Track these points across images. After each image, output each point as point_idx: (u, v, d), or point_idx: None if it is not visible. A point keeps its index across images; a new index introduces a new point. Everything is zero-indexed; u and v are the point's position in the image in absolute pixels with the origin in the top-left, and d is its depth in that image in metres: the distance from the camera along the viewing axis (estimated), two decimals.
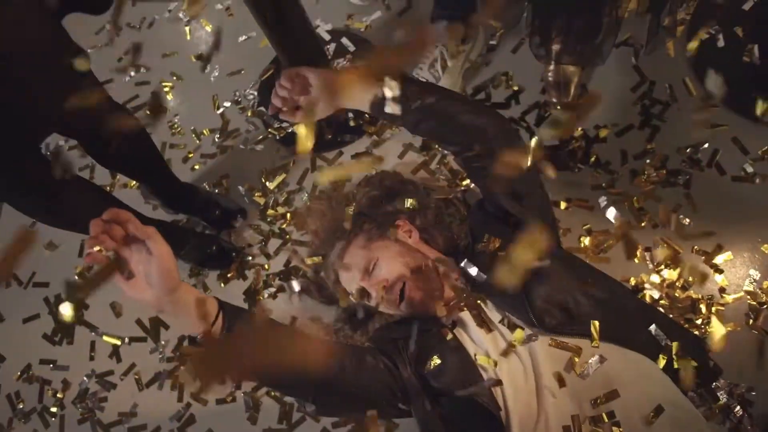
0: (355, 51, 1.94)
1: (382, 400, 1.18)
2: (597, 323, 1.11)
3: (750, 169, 1.52)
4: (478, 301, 1.22)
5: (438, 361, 1.18)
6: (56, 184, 1.37)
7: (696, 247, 1.49)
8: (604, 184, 1.59)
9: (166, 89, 2.11)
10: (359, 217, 1.46)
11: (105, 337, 1.74)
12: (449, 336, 1.20)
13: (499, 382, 1.12)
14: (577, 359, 1.10)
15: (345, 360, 1.16)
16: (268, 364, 1.01)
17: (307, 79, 1.20)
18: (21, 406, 1.74)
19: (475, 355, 1.16)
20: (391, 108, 1.11)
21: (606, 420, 1.04)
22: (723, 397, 1.23)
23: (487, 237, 1.27)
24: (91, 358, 1.75)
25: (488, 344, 1.18)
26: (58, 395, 1.72)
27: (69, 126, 1.40)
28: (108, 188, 1.94)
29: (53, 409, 1.70)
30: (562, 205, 1.56)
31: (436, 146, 1.75)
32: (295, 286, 1.56)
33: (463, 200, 1.59)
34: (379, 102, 1.16)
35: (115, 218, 0.88)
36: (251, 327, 1.01)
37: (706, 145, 1.57)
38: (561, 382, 1.09)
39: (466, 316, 1.22)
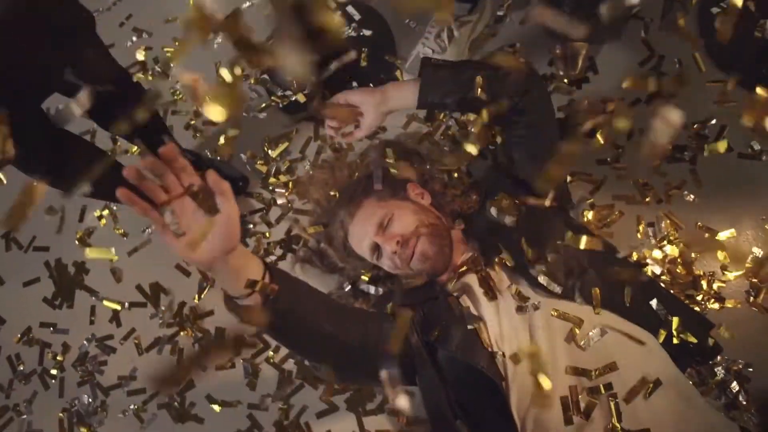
0: None
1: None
2: (598, 290, 1.12)
3: (757, 147, 1.51)
4: (488, 269, 1.22)
5: (444, 329, 1.18)
6: (60, 145, 1.36)
7: (699, 223, 1.48)
8: (608, 159, 1.58)
9: (168, 55, 2.09)
10: (370, 180, 1.45)
11: (105, 302, 1.75)
12: (455, 304, 1.20)
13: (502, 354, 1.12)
14: (577, 331, 1.10)
15: (368, 324, 1.17)
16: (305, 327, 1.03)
17: (351, 102, 1.31)
18: (21, 368, 1.75)
19: (482, 324, 1.16)
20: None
21: (603, 392, 1.04)
22: (720, 373, 1.24)
23: (499, 195, 1.28)
24: (91, 323, 1.75)
25: (491, 311, 1.18)
26: (58, 358, 1.73)
27: (71, 86, 1.39)
28: (110, 152, 1.93)
29: (53, 372, 1.71)
30: (567, 178, 1.55)
31: (441, 116, 1.73)
32: None
33: (467, 172, 1.58)
34: (425, 96, 1.26)
35: (171, 157, 0.78)
36: (295, 291, 1.01)
37: (714, 121, 1.55)
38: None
39: (472, 282, 1.22)
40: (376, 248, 1.29)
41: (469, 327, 1.16)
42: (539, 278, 1.15)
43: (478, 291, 1.20)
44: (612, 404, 1.03)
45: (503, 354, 1.12)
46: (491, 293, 1.18)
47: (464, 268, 1.25)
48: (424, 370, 1.21)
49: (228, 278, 0.90)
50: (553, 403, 1.06)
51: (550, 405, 1.07)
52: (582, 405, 1.05)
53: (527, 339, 1.13)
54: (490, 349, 1.14)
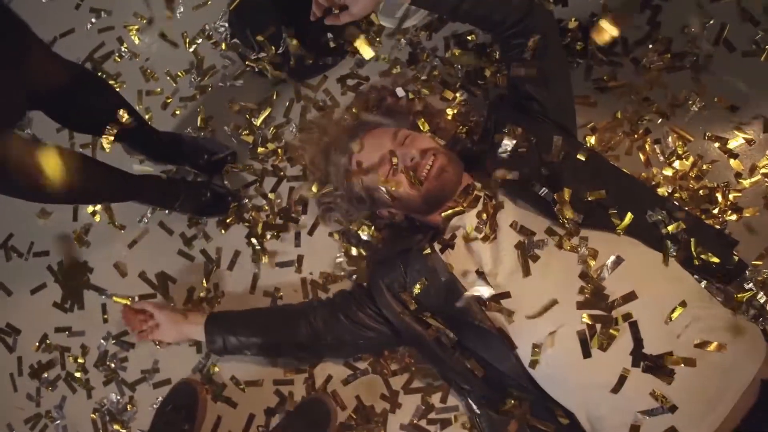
0: None
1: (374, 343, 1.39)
2: (630, 214, 1.10)
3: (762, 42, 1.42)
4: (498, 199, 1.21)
5: (426, 283, 1.22)
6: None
7: (708, 133, 1.41)
8: (605, 77, 1.50)
9: (132, 33, 1.98)
10: (377, 112, 1.48)
11: (115, 298, 1.72)
12: (430, 257, 1.22)
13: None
14: (593, 262, 1.06)
15: (311, 317, 1.39)
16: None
17: None
18: (45, 375, 1.74)
19: (479, 270, 1.16)
20: None
21: (622, 322, 1.01)
22: (749, 288, 1.20)
23: (508, 127, 1.24)
24: (105, 321, 1.73)
25: (487, 254, 1.15)
26: (79, 360, 1.72)
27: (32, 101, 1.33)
28: (90, 147, 1.87)
29: (77, 375, 1.71)
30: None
31: (425, 57, 1.65)
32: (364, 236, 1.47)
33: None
34: None
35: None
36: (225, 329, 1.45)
37: (712, 21, 1.46)
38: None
39: (469, 221, 1.20)
40: (393, 154, 1.24)
41: (443, 279, 1.19)
42: (565, 212, 1.10)
43: (474, 233, 1.18)
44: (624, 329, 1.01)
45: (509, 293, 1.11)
46: (492, 228, 1.16)
47: (472, 193, 1.23)
48: (410, 331, 1.26)
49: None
50: (567, 338, 1.04)
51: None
52: (601, 337, 1.01)
53: (535, 275, 1.10)
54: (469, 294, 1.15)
